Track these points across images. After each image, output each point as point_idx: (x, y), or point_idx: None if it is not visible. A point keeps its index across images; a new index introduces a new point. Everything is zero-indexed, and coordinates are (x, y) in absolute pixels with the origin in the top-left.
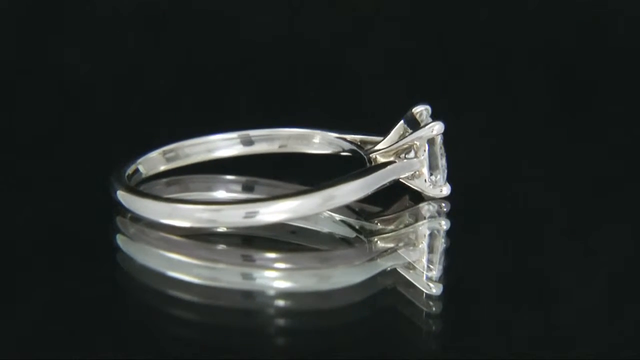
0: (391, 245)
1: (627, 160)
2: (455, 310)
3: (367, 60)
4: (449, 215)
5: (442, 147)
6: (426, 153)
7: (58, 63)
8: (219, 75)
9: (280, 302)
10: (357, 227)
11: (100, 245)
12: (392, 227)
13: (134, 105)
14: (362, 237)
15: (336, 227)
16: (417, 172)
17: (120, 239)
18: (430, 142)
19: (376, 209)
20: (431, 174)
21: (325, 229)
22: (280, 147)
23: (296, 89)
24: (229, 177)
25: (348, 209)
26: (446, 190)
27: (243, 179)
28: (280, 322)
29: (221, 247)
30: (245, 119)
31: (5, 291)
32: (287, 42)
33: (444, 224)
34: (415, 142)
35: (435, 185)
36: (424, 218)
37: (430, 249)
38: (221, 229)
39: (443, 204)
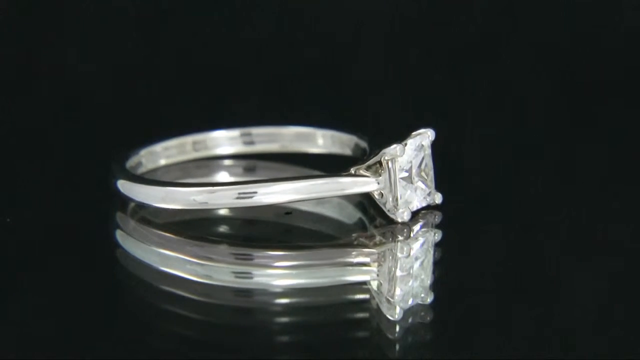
0: (368, 258)
1: (627, 164)
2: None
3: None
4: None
5: (415, 172)
6: (385, 174)
7: (59, 61)
8: (225, 73)
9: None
10: (353, 230)
11: (100, 241)
12: (378, 241)
13: (136, 101)
14: (350, 241)
15: (334, 223)
16: (384, 193)
17: (119, 235)
18: (389, 164)
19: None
20: (390, 197)
21: (322, 221)
22: (281, 147)
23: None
24: (229, 161)
25: (363, 209)
26: (406, 216)
27: (244, 162)
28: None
29: (219, 245)
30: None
31: (2, 288)
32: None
33: (419, 247)
34: (380, 161)
35: (393, 209)
36: (409, 238)
37: (401, 271)
38: (223, 211)
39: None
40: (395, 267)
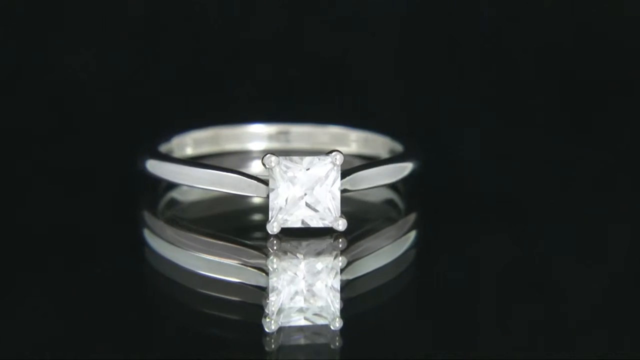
0: (265, 265)
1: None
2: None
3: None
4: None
5: (304, 190)
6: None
7: (67, 60)
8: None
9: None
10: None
11: (127, 240)
12: (270, 250)
13: (166, 90)
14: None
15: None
16: None
17: (147, 234)
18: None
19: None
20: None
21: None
22: (314, 145)
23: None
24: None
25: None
26: (275, 229)
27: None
28: None
29: (243, 246)
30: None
31: (28, 287)
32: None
33: (307, 267)
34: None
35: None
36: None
37: (280, 286)
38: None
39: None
40: (278, 281)
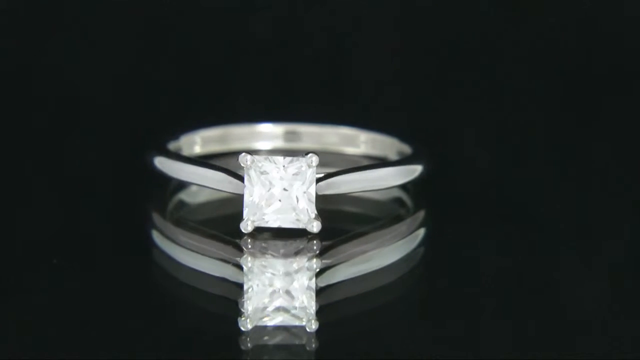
0: (242, 262)
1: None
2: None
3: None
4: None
5: (279, 191)
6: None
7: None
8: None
9: None
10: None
11: (136, 241)
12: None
13: (174, 89)
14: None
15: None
16: None
17: (156, 235)
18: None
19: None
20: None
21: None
22: (323, 145)
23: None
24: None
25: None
26: (249, 227)
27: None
28: None
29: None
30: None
31: (37, 288)
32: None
33: (283, 267)
34: None
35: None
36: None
37: (256, 285)
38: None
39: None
40: (254, 280)
